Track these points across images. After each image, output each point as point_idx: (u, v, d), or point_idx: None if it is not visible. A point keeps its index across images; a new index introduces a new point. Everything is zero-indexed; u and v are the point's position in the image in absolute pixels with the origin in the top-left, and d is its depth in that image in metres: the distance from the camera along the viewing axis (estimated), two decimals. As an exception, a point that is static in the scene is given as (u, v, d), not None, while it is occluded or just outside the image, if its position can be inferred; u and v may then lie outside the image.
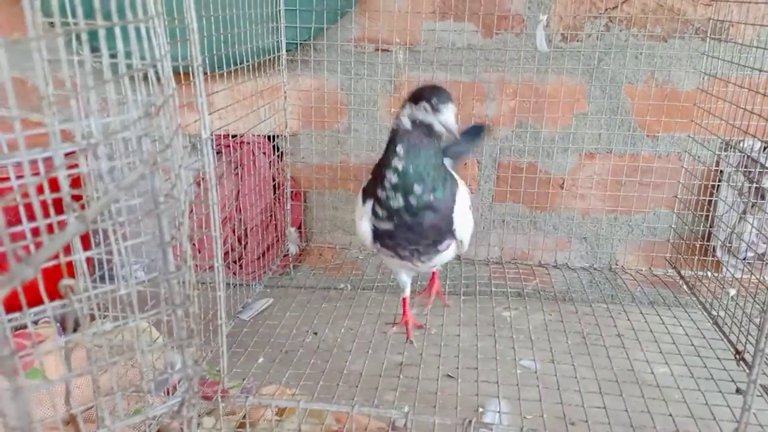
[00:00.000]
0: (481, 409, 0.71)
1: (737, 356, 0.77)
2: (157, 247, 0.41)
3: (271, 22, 0.96)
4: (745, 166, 0.97)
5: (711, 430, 0.64)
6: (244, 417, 0.68)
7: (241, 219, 1.01)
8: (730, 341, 0.80)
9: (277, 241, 1.07)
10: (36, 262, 0.25)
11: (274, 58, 0.98)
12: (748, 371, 0.70)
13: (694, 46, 0.97)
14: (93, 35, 0.37)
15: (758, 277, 0.87)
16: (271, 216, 1.06)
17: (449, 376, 0.77)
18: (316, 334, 0.88)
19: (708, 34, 0.95)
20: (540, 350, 0.82)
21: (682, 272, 1.00)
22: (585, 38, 0.99)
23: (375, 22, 1.01)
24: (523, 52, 1.00)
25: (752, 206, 0.97)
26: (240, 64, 0.86)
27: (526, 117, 1.03)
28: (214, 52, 0.78)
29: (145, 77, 0.45)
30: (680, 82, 0.98)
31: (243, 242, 1.04)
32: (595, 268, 1.05)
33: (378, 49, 1.03)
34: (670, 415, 0.66)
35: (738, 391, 0.72)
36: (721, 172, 0.99)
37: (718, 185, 0.99)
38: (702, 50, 0.96)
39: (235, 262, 1.02)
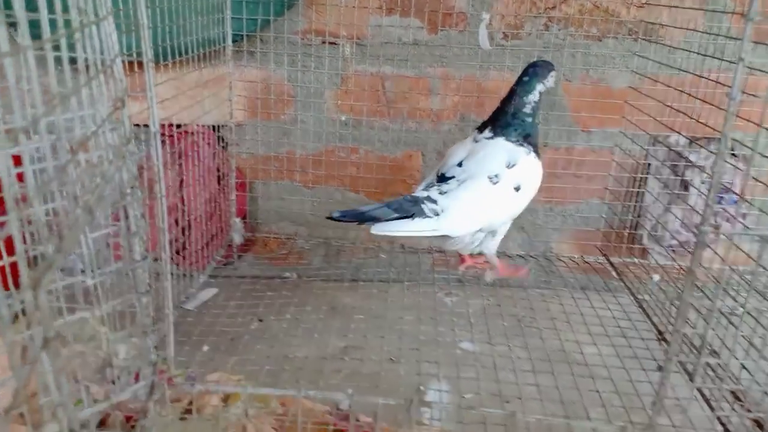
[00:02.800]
0: (422, 389, 0.74)
1: (659, 337, 0.84)
2: (123, 237, 0.42)
3: (217, 13, 0.95)
4: (671, 160, 1.03)
5: (633, 404, 0.69)
6: (190, 404, 0.68)
7: (184, 209, 1.01)
8: (653, 323, 0.86)
9: (222, 231, 1.07)
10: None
11: (219, 49, 0.98)
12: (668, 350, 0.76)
13: (626, 46, 1.02)
14: (34, 24, 0.37)
15: (679, 263, 0.94)
16: (215, 206, 1.06)
17: (392, 360, 0.80)
18: (261, 321, 0.90)
19: (639, 35, 1.01)
20: (478, 333, 0.86)
21: (612, 259, 1.06)
22: (525, 36, 1.03)
23: (322, 15, 1.03)
24: (466, 48, 1.03)
25: (677, 197, 1.04)
26: (185, 54, 0.85)
27: (469, 111, 1.07)
28: (159, 43, 0.77)
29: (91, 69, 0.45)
30: (613, 80, 1.04)
31: (186, 233, 1.03)
32: (531, 256, 1.10)
33: (325, 42, 1.04)
34: (597, 391, 0.71)
35: (659, 368, 0.78)
36: (649, 165, 1.06)
37: (646, 178, 1.06)
38: (634, 50, 1.02)
39: (178, 253, 1.02)
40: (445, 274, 1.03)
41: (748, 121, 0.62)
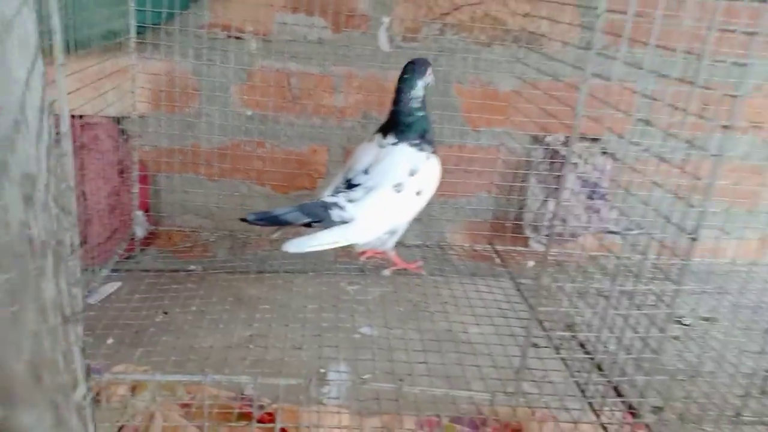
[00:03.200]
0: (323, 370, 0.80)
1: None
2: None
3: (121, 5, 0.95)
4: (550, 158, 1.15)
5: (509, 376, 0.78)
6: (98, 395, 0.70)
7: (85, 203, 1.00)
8: (529, 304, 0.97)
9: (124, 225, 1.07)
10: None
11: (123, 41, 0.98)
12: (539, 327, 0.86)
13: (511, 53, 1.12)
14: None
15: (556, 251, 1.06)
16: (117, 199, 1.06)
17: (295, 347, 0.85)
18: (166, 313, 0.92)
19: (523, 43, 1.11)
20: (376, 318, 0.93)
21: (497, 248, 1.17)
22: (422, 40, 1.10)
23: (228, 10, 1.04)
24: (368, 49, 1.09)
25: (554, 191, 1.16)
26: (88, 46, 0.85)
27: (371, 109, 1.13)
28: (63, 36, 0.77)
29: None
30: (500, 83, 1.13)
31: (87, 227, 1.02)
32: (426, 245, 1.18)
33: (230, 37, 1.06)
34: (478, 366, 0.80)
35: (534, 345, 0.89)
36: (530, 162, 1.17)
37: (528, 174, 1.17)
38: (518, 56, 1.12)
39: (80, 246, 1.01)
40: (347, 264, 1.09)
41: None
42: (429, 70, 0.93)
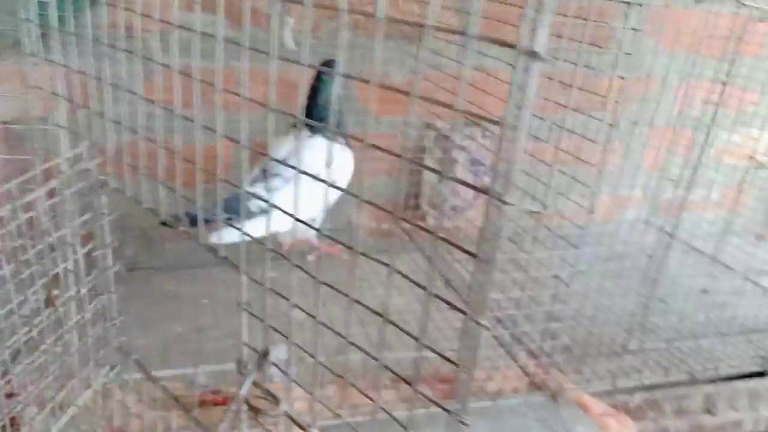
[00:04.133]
0: (267, 351, 0.86)
1: (446, 283, 1.07)
2: None
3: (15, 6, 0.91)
4: (441, 142, 1.28)
5: (433, 335, 0.90)
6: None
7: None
8: (440, 273, 1.10)
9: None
10: None
11: (18, 43, 0.94)
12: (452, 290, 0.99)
13: (403, 48, 1.23)
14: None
15: (448, 223, 1.19)
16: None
17: (230, 335, 0.90)
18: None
19: (412, 39, 1.22)
20: (305, 301, 1.00)
21: (402, 225, 1.29)
22: (321, 37, 1.17)
23: (129, 9, 1.03)
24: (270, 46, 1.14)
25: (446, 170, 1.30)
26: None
27: (279, 102, 1.18)
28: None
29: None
30: (395, 76, 1.24)
31: None
32: (335, 229, 1.27)
33: (132, 36, 1.05)
34: (404, 330, 0.91)
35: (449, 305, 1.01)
36: (424, 146, 1.29)
37: (423, 156, 1.29)
38: (408, 51, 1.23)
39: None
40: (269, 253, 1.14)
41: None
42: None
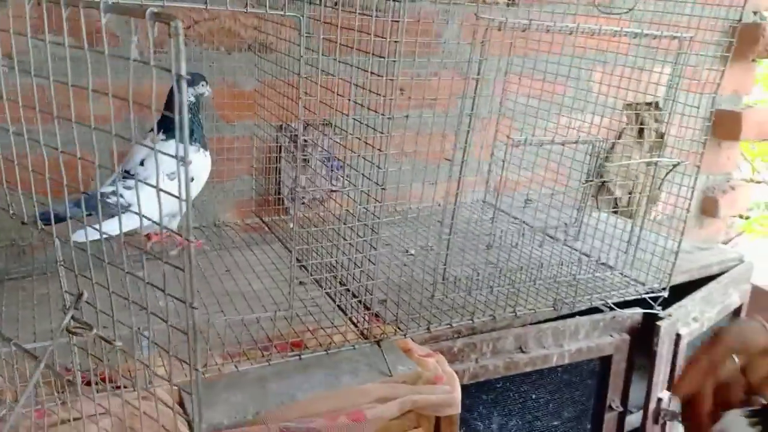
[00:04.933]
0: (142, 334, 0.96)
1: (300, 265, 1.21)
2: None
3: None
4: (294, 141, 1.42)
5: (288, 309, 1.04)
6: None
7: None
8: (296, 258, 1.23)
9: None
10: None
11: None
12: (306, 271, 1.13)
13: (248, 58, 1.35)
14: None
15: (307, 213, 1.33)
16: None
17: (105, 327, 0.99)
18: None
19: (256, 50, 1.34)
20: (171, 290, 1.10)
21: (265, 219, 1.41)
22: (167, 51, 1.26)
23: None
24: (121, 62, 1.21)
25: (302, 168, 1.44)
26: None
27: (129, 114, 1.25)
28: None
29: None
30: (244, 84, 1.35)
31: None
32: (203, 226, 1.37)
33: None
34: (263, 306, 1.04)
35: (300, 283, 1.15)
36: (280, 147, 1.42)
37: (280, 155, 1.42)
38: (253, 62, 1.35)
39: None
40: (133, 252, 1.23)
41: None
42: (202, 83, 1.12)
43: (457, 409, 0.87)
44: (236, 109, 1.36)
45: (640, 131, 2.04)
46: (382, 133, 0.86)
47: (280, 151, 1.42)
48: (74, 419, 0.69)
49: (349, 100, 0.94)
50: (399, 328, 0.95)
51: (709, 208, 2.32)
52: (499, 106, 1.56)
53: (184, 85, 0.48)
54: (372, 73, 0.85)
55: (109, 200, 0.97)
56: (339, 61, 0.92)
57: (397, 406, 0.82)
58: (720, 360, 0.48)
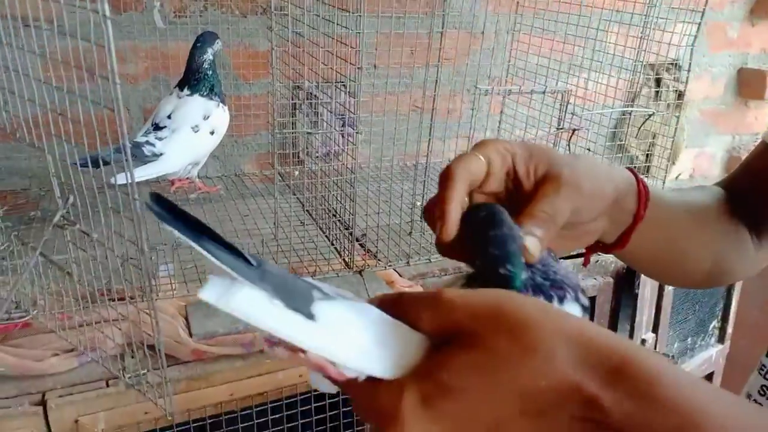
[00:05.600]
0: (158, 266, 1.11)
1: (307, 213, 1.34)
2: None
3: None
4: (309, 99, 1.53)
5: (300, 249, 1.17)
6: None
7: None
8: (306, 210, 1.36)
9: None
10: None
11: None
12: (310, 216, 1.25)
13: (262, 21, 1.46)
14: None
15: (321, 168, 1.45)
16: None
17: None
18: None
19: (270, 13, 1.45)
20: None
21: (281, 171, 1.54)
22: (191, 15, 1.39)
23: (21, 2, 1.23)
24: (147, 26, 1.35)
25: (315, 125, 1.55)
26: None
27: (158, 73, 1.40)
28: None
29: None
30: (258, 45, 1.47)
31: None
32: (225, 176, 1.52)
33: (29, 26, 1.25)
34: (278, 244, 1.17)
35: (302, 223, 1.28)
36: (295, 104, 1.54)
37: (295, 111, 1.54)
38: (267, 25, 1.46)
39: None
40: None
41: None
42: (217, 41, 1.24)
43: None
44: (253, 69, 1.48)
45: (657, 92, 2.06)
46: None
47: (294, 108, 1.54)
48: (95, 322, 0.84)
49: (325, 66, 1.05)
50: (379, 260, 1.07)
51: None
52: (507, 64, 1.63)
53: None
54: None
55: (143, 148, 1.12)
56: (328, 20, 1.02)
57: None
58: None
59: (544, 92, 1.11)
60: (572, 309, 0.41)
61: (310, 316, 0.32)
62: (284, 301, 0.32)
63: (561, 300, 0.41)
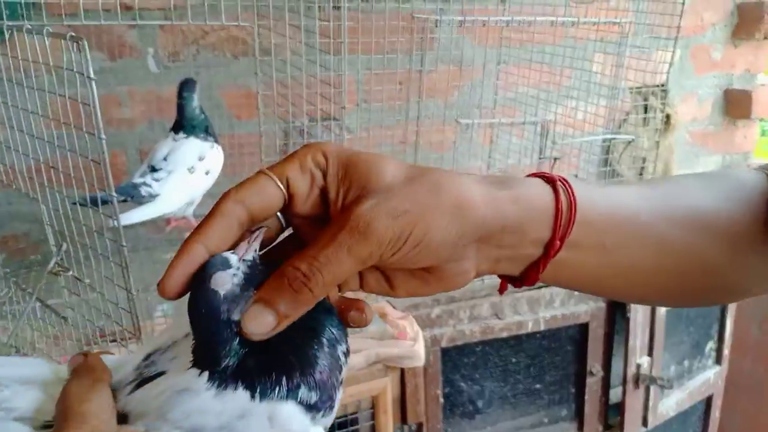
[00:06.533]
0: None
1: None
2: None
3: None
4: (300, 135, 1.57)
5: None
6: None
7: None
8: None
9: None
10: None
11: None
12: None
13: (254, 63, 1.50)
14: None
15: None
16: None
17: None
18: None
19: (257, 56, 1.50)
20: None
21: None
22: (184, 59, 1.44)
23: (23, 52, 1.28)
24: (141, 70, 1.40)
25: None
26: None
27: (153, 116, 1.44)
28: None
29: None
30: (250, 85, 1.51)
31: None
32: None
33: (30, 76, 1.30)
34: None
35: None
36: (285, 143, 1.58)
37: (287, 149, 1.58)
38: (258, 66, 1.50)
39: None
40: (157, 235, 1.41)
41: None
42: (196, 85, 1.28)
43: (419, 362, 1.00)
44: (246, 108, 1.52)
45: (644, 118, 2.09)
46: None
47: (286, 146, 1.57)
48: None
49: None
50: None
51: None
52: (494, 95, 1.67)
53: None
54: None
55: (140, 189, 1.15)
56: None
57: (363, 358, 0.96)
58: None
59: (524, 123, 1.14)
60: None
61: None
62: None
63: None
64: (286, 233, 0.40)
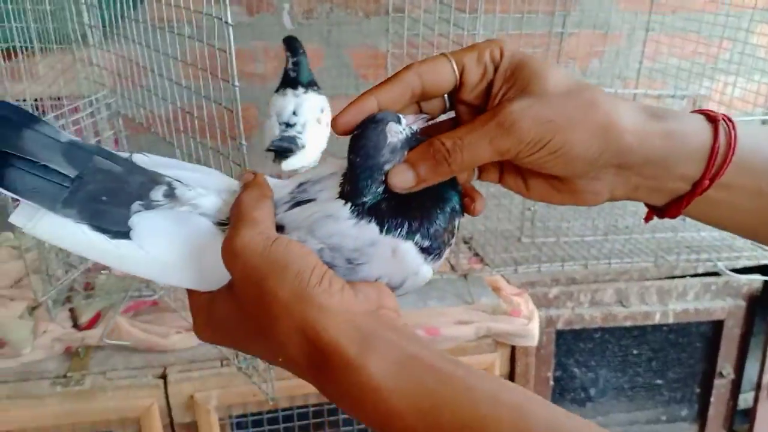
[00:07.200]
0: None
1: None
2: None
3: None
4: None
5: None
6: None
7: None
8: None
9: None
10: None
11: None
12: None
13: (385, 22, 1.48)
14: None
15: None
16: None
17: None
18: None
19: (390, 13, 1.47)
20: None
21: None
22: (317, 17, 1.45)
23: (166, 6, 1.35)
24: (276, 27, 1.43)
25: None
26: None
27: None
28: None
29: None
30: (379, 46, 1.50)
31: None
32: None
33: (173, 29, 1.37)
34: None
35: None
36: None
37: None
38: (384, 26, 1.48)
39: None
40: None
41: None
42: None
43: (532, 342, 0.96)
44: (373, 68, 1.51)
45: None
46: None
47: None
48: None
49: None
50: (486, 264, 1.05)
51: None
52: (639, 65, 1.53)
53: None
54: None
55: (298, 140, 1.19)
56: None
57: (473, 330, 0.93)
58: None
59: (673, 96, 1.02)
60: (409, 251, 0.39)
61: (120, 234, 0.36)
62: (90, 223, 0.35)
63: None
64: (446, 116, 0.44)
